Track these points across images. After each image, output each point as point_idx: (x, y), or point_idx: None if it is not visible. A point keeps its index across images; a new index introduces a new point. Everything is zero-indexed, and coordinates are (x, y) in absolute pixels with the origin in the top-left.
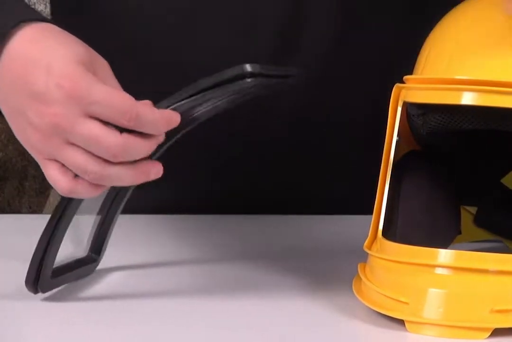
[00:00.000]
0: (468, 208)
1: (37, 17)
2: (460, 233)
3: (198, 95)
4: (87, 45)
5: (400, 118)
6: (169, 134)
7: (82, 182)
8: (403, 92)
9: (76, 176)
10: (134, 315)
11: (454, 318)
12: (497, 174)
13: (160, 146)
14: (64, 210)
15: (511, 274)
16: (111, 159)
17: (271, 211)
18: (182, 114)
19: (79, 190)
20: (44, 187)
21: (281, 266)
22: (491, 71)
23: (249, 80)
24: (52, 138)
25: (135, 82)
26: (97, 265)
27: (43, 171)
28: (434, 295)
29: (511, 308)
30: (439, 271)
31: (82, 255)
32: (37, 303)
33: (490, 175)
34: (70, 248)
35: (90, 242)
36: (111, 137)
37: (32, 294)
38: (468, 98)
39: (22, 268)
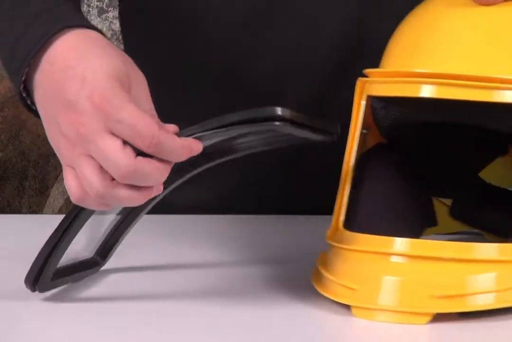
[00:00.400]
0: (444, 200)
1: (83, 24)
2: (435, 224)
3: (222, 129)
4: (128, 57)
5: (366, 112)
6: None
7: (91, 195)
8: (366, 86)
9: None
10: (133, 316)
11: (398, 304)
12: (471, 166)
13: (180, 175)
14: (76, 217)
15: (463, 261)
16: (118, 179)
17: (274, 212)
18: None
19: (88, 201)
20: (44, 187)
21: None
22: (450, 65)
23: (277, 123)
24: (75, 147)
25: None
26: (99, 268)
27: (64, 176)
28: (381, 281)
29: (454, 293)
30: (392, 258)
31: (86, 256)
32: (36, 303)
33: (465, 168)
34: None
35: (99, 244)
36: (125, 158)
37: (31, 295)
38: (425, 91)
39: (22, 268)
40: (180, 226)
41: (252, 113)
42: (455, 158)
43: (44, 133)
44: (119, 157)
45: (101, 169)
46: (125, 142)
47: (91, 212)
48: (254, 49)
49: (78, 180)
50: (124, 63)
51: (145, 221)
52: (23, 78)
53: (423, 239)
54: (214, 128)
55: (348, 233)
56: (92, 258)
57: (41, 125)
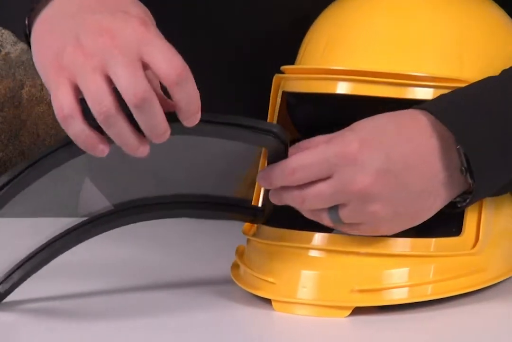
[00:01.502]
0: None
1: None
2: None
3: (223, 125)
4: None
5: (281, 108)
6: None
7: (82, 120)
8: (282, 82)
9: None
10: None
11: (317, 298)
12: None
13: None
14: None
15: (378, 255)
16: (130, 101)
17: None
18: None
19: (75, 122)
20: None
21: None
22: (364, 62)
23: (270, 137)
24: (92, 59)
25: None
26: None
27: (53, 89)
28: (300, 275)
29: (372, 287)
30: (309, 253)
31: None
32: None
33: None
34: None
35: (8, 272)
36: (144, 81)
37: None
38: (340, 88)
39: None
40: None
41: (259, 123)
42: None
43: (44, 133)
44: (140, 79)
45: (115, 90)
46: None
47: (59, 160)
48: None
49: (75, 94)
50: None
51: None
52: None
53: (339, 233)
54: (213, 122)
55: (265, 227)
56: None
57: (41, 125)
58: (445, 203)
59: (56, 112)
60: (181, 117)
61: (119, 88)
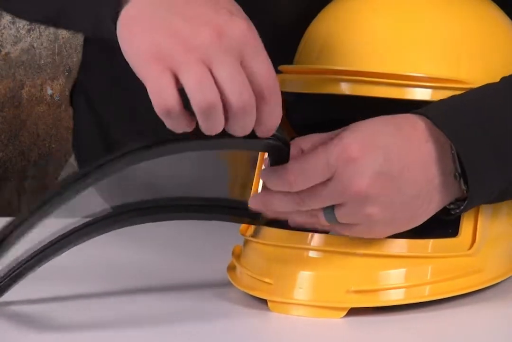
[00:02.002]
0: None
1: None
2: None
3: (223, 137)
4: None
5: None
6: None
7: (183, 111)
8: (281, 81)
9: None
10: None
11: (313, 298)
12: None
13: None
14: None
15: (375, 256)
16: (233, 101)
17: None
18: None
19: (177, 111)
20: (43, 186)
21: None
22: (362, 62)
23: (271, 141)
24: (194, 51)
25: None
26: None
27: (151, 79)
28: (297, 276)
29: (369, 288)
30: (307, 253)
31: None
32: None
33: None
34: None
35: (2, 272)
36: (248, 89)
37: None
38: (338, 88)
39: None
40: None
41: None
42: None
43: (44, 133)
44: (246, 82)
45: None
46: None
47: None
48: None
49: (176, 88)
50: None
51: None
52: None
53: (335, 234)
54: (213, 136)
55: (262, 228)
56: None
57: (41, 125)
58: (438, 208)
59: (156, 103)
60: (259, 130)
61: (223, 87)
